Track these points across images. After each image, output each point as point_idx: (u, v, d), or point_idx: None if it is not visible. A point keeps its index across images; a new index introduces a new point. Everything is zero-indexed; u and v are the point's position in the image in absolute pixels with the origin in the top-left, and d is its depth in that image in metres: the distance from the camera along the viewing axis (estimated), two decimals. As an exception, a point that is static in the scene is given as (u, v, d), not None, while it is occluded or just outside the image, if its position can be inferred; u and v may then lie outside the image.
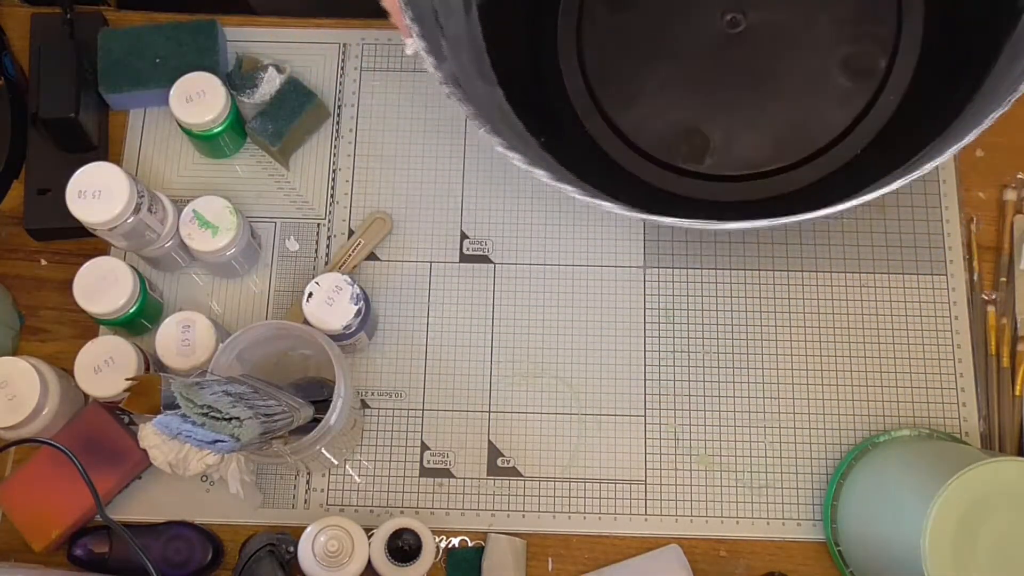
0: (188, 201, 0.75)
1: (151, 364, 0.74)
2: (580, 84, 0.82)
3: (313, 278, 0.72)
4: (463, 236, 0.82)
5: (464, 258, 0.82)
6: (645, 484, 0.76)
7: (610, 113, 0.81)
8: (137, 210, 0.71)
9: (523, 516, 0.76)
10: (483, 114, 0.57)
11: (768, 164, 0.79)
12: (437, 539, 0.74)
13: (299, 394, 0.67)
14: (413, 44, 0.59)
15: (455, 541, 0.75)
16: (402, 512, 0.75)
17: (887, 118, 0.79)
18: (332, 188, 0.83)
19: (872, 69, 0.79)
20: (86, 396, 0.74)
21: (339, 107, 0.85)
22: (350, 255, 0.80)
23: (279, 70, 0.83)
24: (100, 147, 0.82)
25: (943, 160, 0.56)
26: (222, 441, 0.57)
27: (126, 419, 0.75)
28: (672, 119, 0.80)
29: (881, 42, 0.79)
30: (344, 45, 0.87)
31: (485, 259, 0.82)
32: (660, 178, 0.79)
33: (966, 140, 0.54)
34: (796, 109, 0.80)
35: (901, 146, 0.55)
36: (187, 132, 0.79)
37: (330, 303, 0.71)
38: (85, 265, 0.73)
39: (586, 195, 0.54)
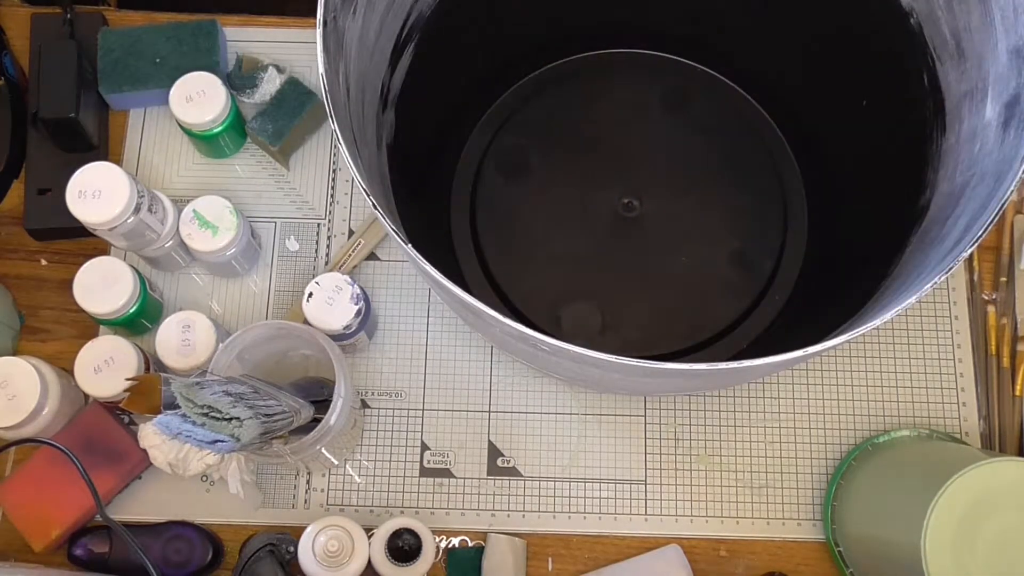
0: (188, 201, 0.75)
1: (151, 364, 0.74)
2: (471, 253, 0.81)
3: (313, 278, 0.72)
4: (463, 236, 0.83)
5: (464, 258, 0.82)
6: (645, 484, 0.76)
7: (499, 282, 0.80)
8: (137, 210, 0.71)
9: (523, 516, 0.76)
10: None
11: (658, 349, 0.78)
12: (437, 539, 0.74)
13: (299, 394, 0.66)
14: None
15: (455, 541, 0.75)
16: (402, 512, 0.75)
17: (775, 314, 0.79)
18: (332, 188, 0.83)
19: (760, 266, 0.80)
20: (86, 396, 0.74)
21: (339, 107, 0.85)
22: (350, 255, 0.80)
23: (279, 70, 0.83)
24: (100, 147, 0.82)
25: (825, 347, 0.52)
26: (222, 441, 0.57)
27: (126, 419, 0.75)
28: (561, 292, 0.79)
29: (768, 246, 0.80)
30: (344, 45, 0.87)
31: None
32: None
33: (862, 328, 0.51)
34: (686, 297, 0.79)
35: (787, 343, 0.53)
36: (187, 132, 0.79)
37: (330, 303, 0.71)
38: (85, 265, 0.73)
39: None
